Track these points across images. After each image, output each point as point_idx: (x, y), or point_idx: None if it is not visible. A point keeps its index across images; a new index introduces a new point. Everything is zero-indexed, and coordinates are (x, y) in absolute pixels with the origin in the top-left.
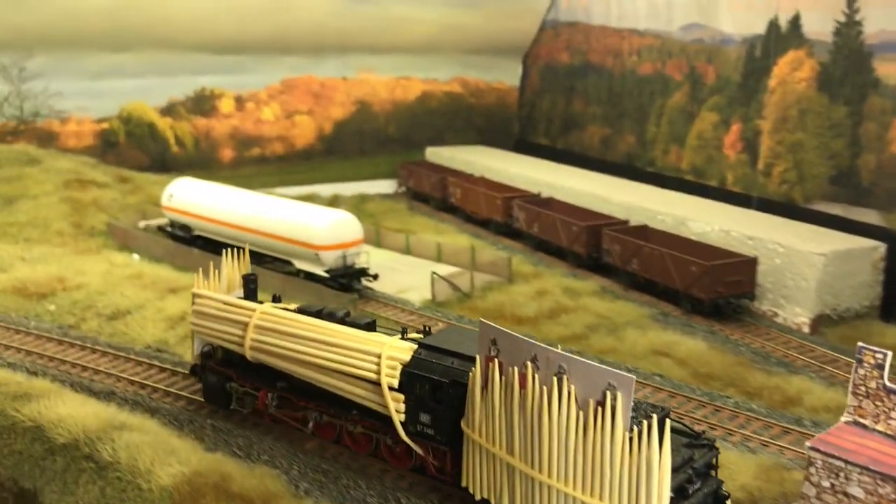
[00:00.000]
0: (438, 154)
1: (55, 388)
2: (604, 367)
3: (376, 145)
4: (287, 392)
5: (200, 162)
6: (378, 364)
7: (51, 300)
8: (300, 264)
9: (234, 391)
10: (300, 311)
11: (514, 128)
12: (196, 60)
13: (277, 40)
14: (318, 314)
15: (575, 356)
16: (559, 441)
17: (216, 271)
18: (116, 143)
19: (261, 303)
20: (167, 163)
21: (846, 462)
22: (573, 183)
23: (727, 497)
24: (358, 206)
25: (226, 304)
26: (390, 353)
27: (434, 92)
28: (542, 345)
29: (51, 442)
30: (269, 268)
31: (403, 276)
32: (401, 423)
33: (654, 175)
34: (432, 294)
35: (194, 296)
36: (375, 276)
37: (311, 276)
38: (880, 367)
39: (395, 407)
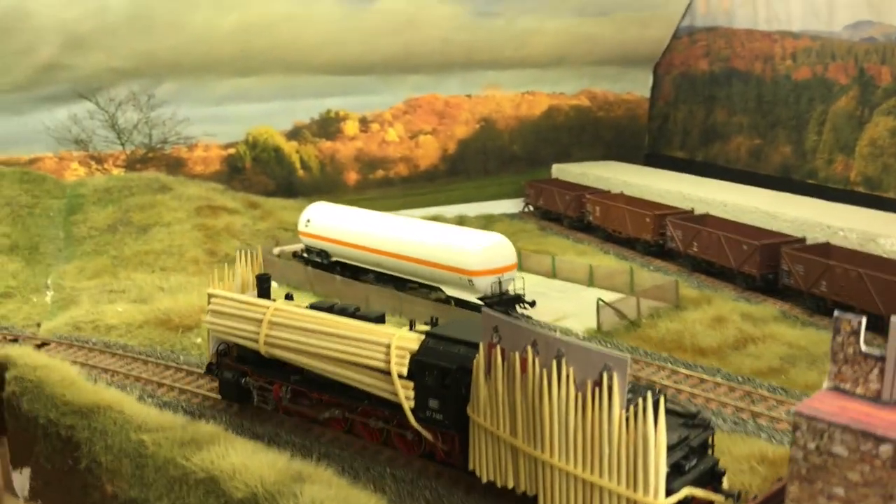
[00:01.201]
0: (566, 171)
1: (221, 433)
2: (600, 348)
3: (500, 164)
4: (300, 385)
5: (326, 185)
6: (387, 354)
7: (196, 332)
8: (451, 291)
9: (249, 386)
10: (312, 307)
11: (645, 141)
12: (321, 82)
13: (403, 59)
14: (330, 309)
15: (572, 339)
16: (559, 421)
17: (230, 272)
18: (243, 168)
19: (274, 300)
20: (293, 187)
21: (829, 423)
22: (728, 197)
23: (723, 473)
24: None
25: (241, 302)
26: (399, 342)
27: (561, 106)
28: (541, 330)
29: (227, 496)
30: (417, 295)
31: (556, 302)
32: (410, 409)
33: (817, 187)
34: (598, 322)
35: (209, 295)
36: (532, 303)
37: (462, 304)
38: (856, 333)
39: (405, 394)
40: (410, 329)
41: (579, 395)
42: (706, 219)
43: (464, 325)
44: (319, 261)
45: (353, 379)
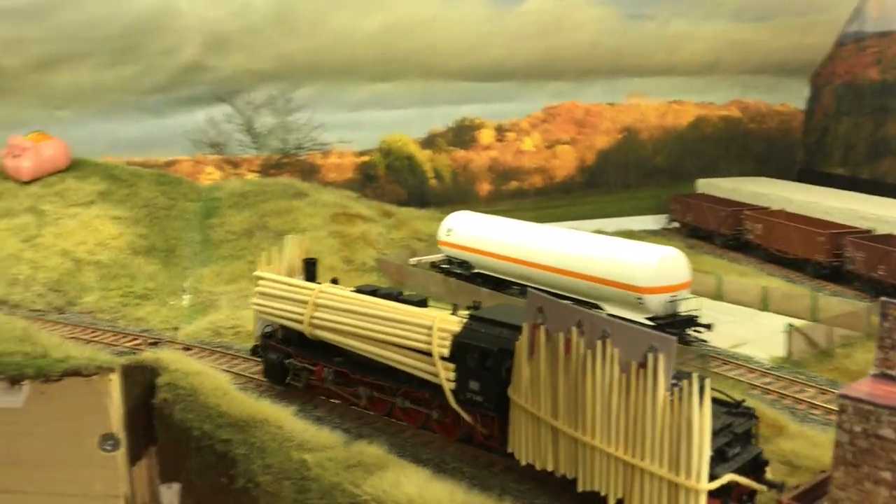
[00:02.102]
0: (715, 185)
1: (388, 457)
2: (646, 329)
3: (642, 177)
4: (343, 366)
5: (457, 196)
6: (430, 335)
7: None
8: (613, 309)
9: (292, 367)
10: (357, 290)
11: (798, 155)
12: (458, 89)
13: (544, 64)
14: (374, 293)
15: (618, 320)
16: (602, 403)
17: (279, 255)
18: (376, 176)
19: (319, 283)
20: (424, 197)
21: (876, 405)
22: None
23: (767, 463)
24: None
25: (288, 284)
26: (441, 325)
27: (709, 117)
28: (586, 310)
29: None
30: None
31: (727, 326)
32: (451, 391)
33: None
34: (788, 350)
35: (257, 278)
36: (709, 327)
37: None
38: None
39: (446, 375)
40: (453, 313)
41: (623, 376)
42: (892, 240)
43: (506, 309)
44: (460, 272)
45: (396, 360)
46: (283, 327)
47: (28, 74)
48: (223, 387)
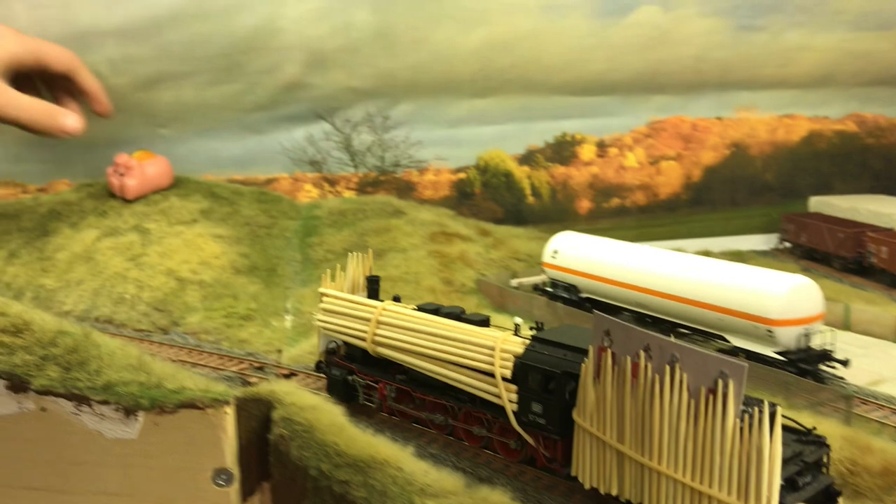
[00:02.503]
0: (830, 204)
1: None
2: (716, 354)
3: (750, 194)
4: (405, 384)
5: (556, 214)
6: (492, 356)
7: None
8: (739, 341)
9: (355, 384)
10: (419, 308)
11: None
12: (558, 103)
13: (649, 78)
14: (436, 312)
15: (688, 344)
16: (670, 428)
17: (342, 272)
18: (472, 193)
19: (382, 301)
20: (522, 214)
21: None
22: None
23: (839, 493)
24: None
25: (352, 301)
26: (504, 346)
27: (823, 132)
28: (655, 334)
29: None
30: (694, 342)
31: (861, 360)
32: (513, 412)
33: None
34: None
35: (321, 294)
36: (845, 363)
37: (754, 356)
38: None
39: (508, 397)
40: (515, 333)
41: (692, 401)
42: None
43: (569, 331)
44: (567, 296)
45: (457, 380)
46: (346, 344)
47: (133, 93)
48: (339, 422)
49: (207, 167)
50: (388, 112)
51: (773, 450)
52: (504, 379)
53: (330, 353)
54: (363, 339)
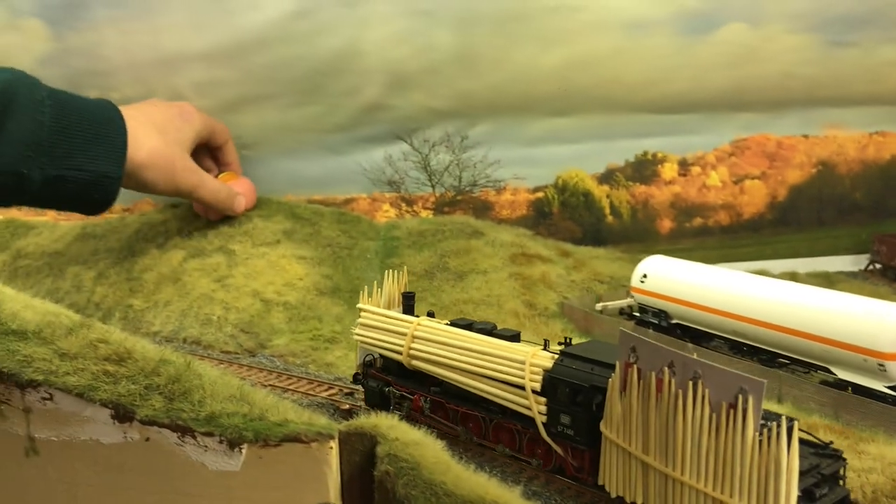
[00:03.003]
0: None
1: None
2: (736, 371)
3: (838, 214)
4: (439, 396)
5: (636, 234)
6: (522, 369)
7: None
8: (845, 374)
9: (391, 395)
10: (452, 324)
11: None
12: (640, 122)
13: (733, 95)
14: (469, 327)
15: (710, 362)
16: (692, 440)
17: (378, 289)
18: (550, 213)
19: (417, 316)
20: (600, 234)
21: None
22: None
23: None
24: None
25: (388, 316)
26: (534, 360)
27: None
28: (678, 351)
29: None
30: (799, 375)
31: None
32: (542, 424)
33: None
34: None
35: (360, 310)
36: None
37: (861, 391)
38: None
39: (538, 409)
40: (545, 348)
41: (714, 416)
42: None
43: (596, 346)
44: (656, 322)
45: (489, 392)
46: (383, 357)
47: (218, 115)
48: (445, 460)
49: (288, 188)
50: (466, 132)
51: (791, 462)
52: (534, 392)
53: (367, 365)
54: (399, 353)
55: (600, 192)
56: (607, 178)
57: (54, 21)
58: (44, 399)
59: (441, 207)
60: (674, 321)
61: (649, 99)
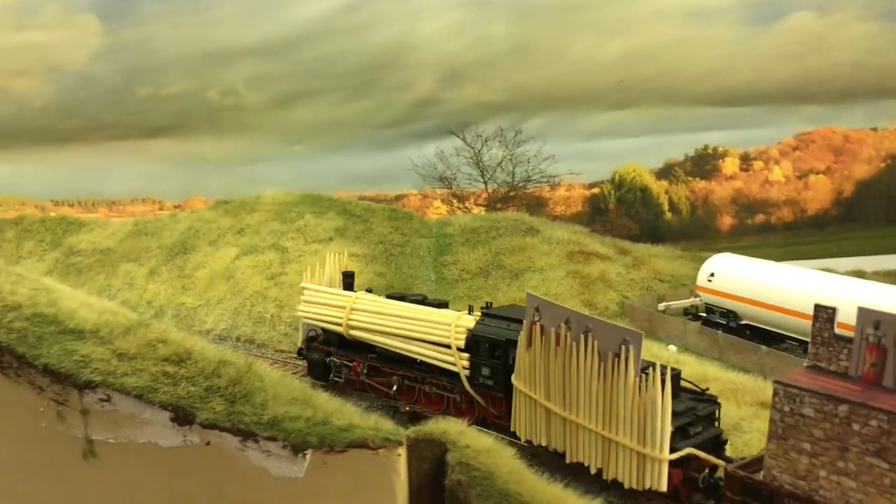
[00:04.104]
0: None
1: None
2: (619, 325)
3: None
4: (376, 361)
5: (695, 230)
6: (449, 330)
7: None
8: None
9: (332, 364)
10: (389, 296)
11: None
12: (700, 115)
13: (799, 86)
14: (402, 298)
15: (599, 318)
16: (585, 386)
17: (320, 269)
18: (606, 209)
19: (356, 293)
20: (658, 231)
21: (800, 389)
22: None
23: (726, 442)
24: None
25: (329, 293)
26: (459, 322)
27: None
28: (573, 310)
29: None
30: None
31: None
32: (466, 377)
33: None
34: None
35: (304, 288)
36: None
37: None
38: (831, 320)
39: (462, 364)
40: (469, 313)
41: (602, 364)
42: None
43: (514, 309)
44: (724, 322)
45: (420, 353)
46: (325, 330)
47: (269, 111)
48: (519, 469)
49: (339, 184)
50: (520, 126)
51: (665, 403)
52: (458, 349)
53: (310, 340)
54: (339, 325)
55: (658, 187)
56: (666, 173)
57: (108, 16)
58: (102, 401)
59: (493, 204)
60: (743, 322)
61: (711, 91)
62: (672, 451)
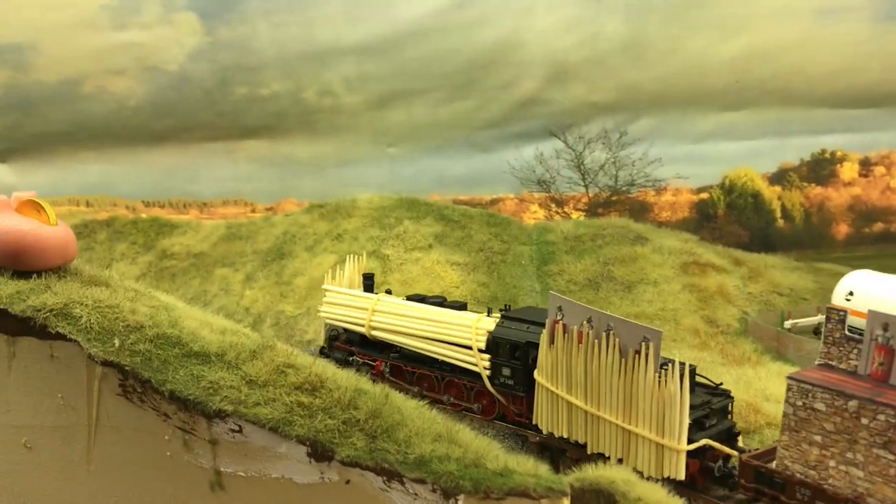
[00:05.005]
0: None
1: None
2: (639, 324)
3: None
4: (398, 361)
5: (808, 239)
6: (470, 332)
7: (756, 437)
8: None
9: (355, 363)
10: (408, 298)
11: None
12: (819, 117)
13: None
14: (423, 300)
15: (620, 317)
16: (606, 381)
17: (340, 272)
18: (714, 216)
19: (377, 294)
20: (769, 239)
21: (812, 385)
22: None
23: (738, 434)
24: None
25: (352, 294)
26: (479, 324)
27: None
28: (595, 308)
29: None
30: None
31: None
32: (487, 377)
33: None
34: None
35: (325, 290)
36: None
37: None
38: (842, 321)
39: (483, 364)
40: (488, 315)
41: (623, 360)
42: None
43: (532, 311)
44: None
45: (443, 354)
46: (347, 331)
47: (365, 112)
48: None
49: (433, 187)
50: (626, 127)
51: (683, 398)
52: (480, 350)
53: (331, 339)
54: (361, 325)
55: (771, 193)
56: (779, 178)
57: (207, 14)
58: (232, 431)
59: (594, 209)
60: None
61: (833, 92)
62: (689, 441)
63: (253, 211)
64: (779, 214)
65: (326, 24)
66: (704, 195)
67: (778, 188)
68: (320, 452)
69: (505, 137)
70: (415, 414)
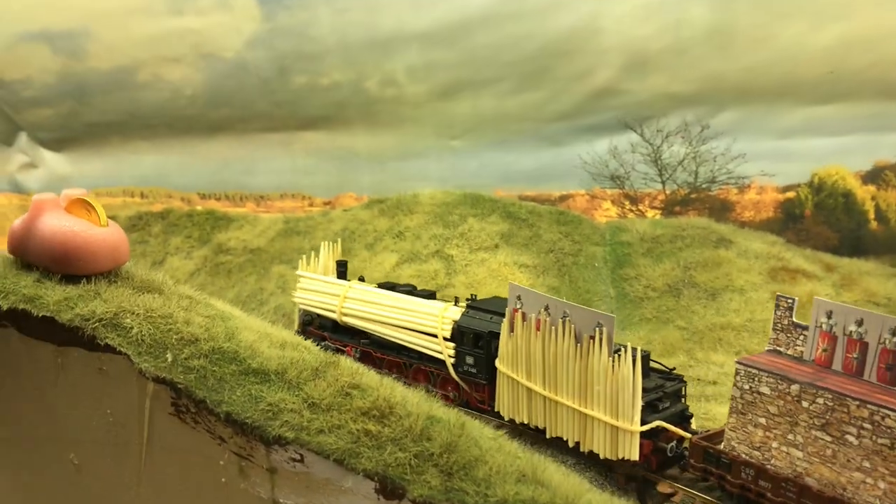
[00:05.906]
0: None
1: None
2: (594, 310)
3: None
4: (367, 347)
5: None
6: (436, 321)
7: None
8: None
9: (327, 348)
10: (379, 286)
11: None
12: None
13: None
14: (393, 288)
15: (575, 304)
16: (563, 366)
17: (315, 258)
18: (801, 216)
19: (349, 281)
20: (861, 242)
21: (758, 370)
22: None
23: (691, 416)
24: None
25: (325, 281)
26: (445, 313)
27: None
28: (551, 297)
29: None
30: None
31: None
32: (452, 365)
33: None
34: None
35: (299, 276)
36: None
37: None
38: (790, 308)
39: (448, 353)
40: (455, 304)
41: (578, 345)
42: None
43: (497, 301)
44: None
45: (409, 341)
46: (320, 316)
47: (430, 102)
48: None
49: (498, 182)
50: (707, 121)
51: (636, 380)
52: (445, 339)
53: (305, 324)
54: (333, 311)
55: (864, 193)
56: (874, 176)
57: (266, 0)
58: (293, 460)
59: (671, 207)
60: None
61: None
62: (642, 423)
63: (311, 205)
64: (872, 216)
65: (390, 10)
66: (791, 194)
67: (872, 187)
68: (390, 490)
69: (577, 130)
70: (493, 447)
